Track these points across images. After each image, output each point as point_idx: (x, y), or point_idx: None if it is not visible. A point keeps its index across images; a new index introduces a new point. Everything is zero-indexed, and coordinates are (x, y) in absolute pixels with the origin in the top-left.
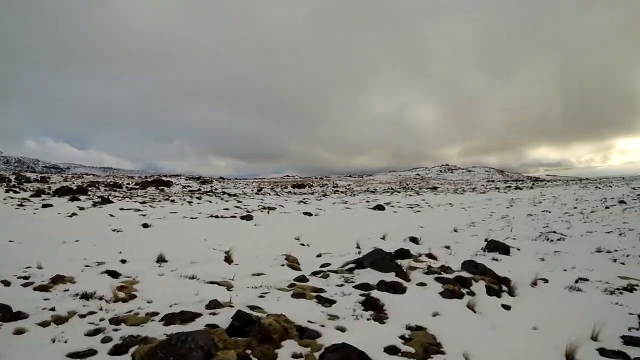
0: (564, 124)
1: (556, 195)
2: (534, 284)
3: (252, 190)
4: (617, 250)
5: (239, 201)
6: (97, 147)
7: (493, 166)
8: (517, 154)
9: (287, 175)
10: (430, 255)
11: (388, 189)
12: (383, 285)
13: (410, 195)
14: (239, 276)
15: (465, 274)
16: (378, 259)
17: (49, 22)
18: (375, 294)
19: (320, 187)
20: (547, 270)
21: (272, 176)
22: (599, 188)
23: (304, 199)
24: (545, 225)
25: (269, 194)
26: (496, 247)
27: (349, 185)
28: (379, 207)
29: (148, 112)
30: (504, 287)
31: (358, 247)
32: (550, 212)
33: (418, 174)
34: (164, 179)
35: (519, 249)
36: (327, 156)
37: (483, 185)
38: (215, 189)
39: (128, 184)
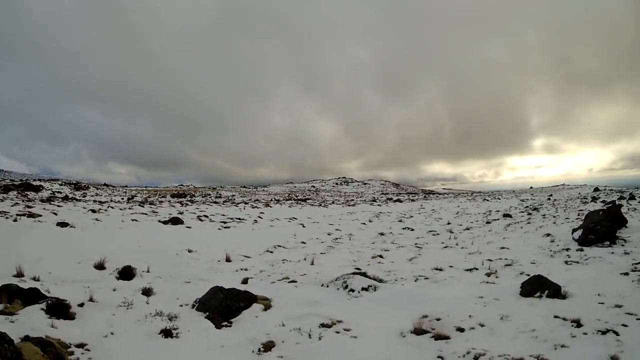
0: (456, 143)
1: (437, 208)
2: None
3: (123, 199)
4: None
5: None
6: None
7: (392, 180)
8: (413, 169)
9: (182, 185)
10: None
11: (272, 199)
12: None
13: (268, 207)
14: None
15: None
16: None
17: None
18: None
19: (203, 197)
20: None
21: (172, 185)
22: (487, 200)
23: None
24: (379, 255)
25: (140, 203)
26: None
27: (232, 195)
28: (175, 221)
29: (38, 110)
30: None
31: None
32: (412, 229)
33: (314, 186)
34: (33, 183)
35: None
36: (229, 167)
37: (374, 198)
38: (84, 196)
39: None
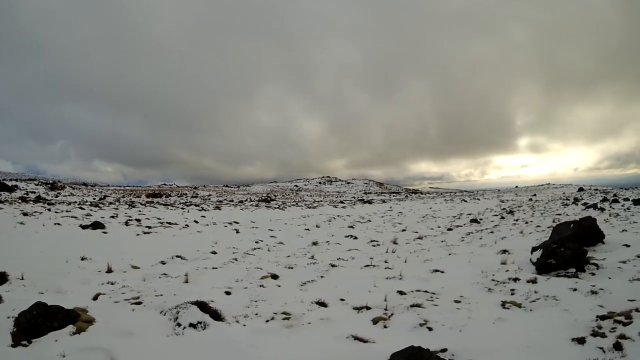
0: (442, 142)
1: (406, 210)
2: None
3: (94, 199)
4: None
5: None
6: None
7: (378, 179)
8: (400, 168)
9: (165, 184)
10: None
11: (247, 199)
12: None
13: (239, 208)
14: None
15: None
16: None
17: None
18: None
19: (178, 196)
20: None
21: (156, 185)
22: (465, 201)
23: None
24: (274, 274)
25: (113, 203)
26: None
27: (209, 195)
28: (95, 225)
29: (26, 109)
30: None
31: None
32: (356, 237)
33: (296, 185)
34: (8, 183)
35: None
36: (215, 166)
37: (354, 197)
38: (57, 196)
39: None
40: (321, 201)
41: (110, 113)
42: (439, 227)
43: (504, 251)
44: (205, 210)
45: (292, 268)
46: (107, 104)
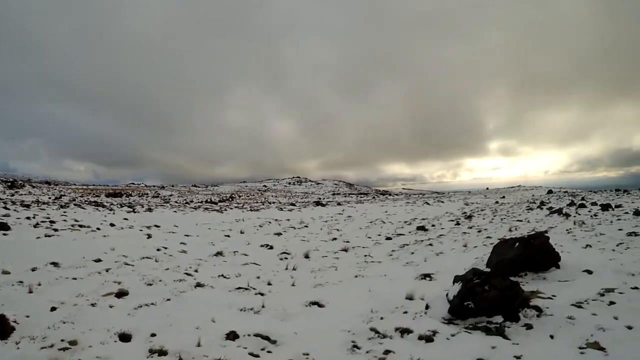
0: (415, 143)
1: (359, 214)
2: None
3: (50, 198)
4: None
5: None
6: None
7: (351, 180)
8: (373, 169)
9: (133, 183)
10: None
11: (206, 200)
12: None
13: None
14: None
15: None
16: None
17: None
18: None
19: (140, 196)
20: None
21: (123, 184)
22: (428, 204)
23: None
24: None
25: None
26: None
27: (171, 195)
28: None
29: None
30: None
31: None
32: (272, 247)
33: (265, 186)
34: None
35: None
36: (188, 165)
37: (306, 201)
38: (13, 195)
39: None
40: (274, 203)
41: (83, 111)
42: (379, 235)
43: (426, 276)
44: (135, 212)
45: (151, 285)
46: (80, 102)
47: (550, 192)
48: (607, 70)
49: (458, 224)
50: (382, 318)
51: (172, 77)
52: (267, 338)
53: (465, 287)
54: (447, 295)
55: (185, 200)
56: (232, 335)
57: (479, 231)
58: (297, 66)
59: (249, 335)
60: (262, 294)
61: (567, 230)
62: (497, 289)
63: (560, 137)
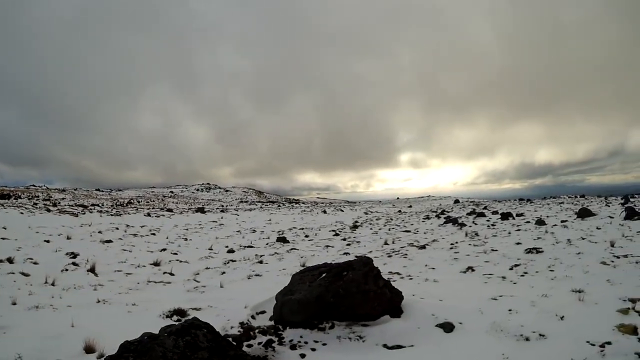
0: (327, 154)
1: (231, 223)
2: None
3: None
4: None
5: None
6: None
7: (265, 188)
8: (287, 179)
9: (33, 185)
10: None
11: (94, 205)
12: None
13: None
14: None
15: None
16: None
17: None
18: None
19: (29, 199)
20: None
21: (24, 185)
22: (325, 212)
23: None
24: None
25: None
26: None
27: (64, 198)
28: None
29: None
30: None
31: None
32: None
33: (172, 192)
34: None
35: None
36: (97, 168)
37: (189, 208)
38: None
39: None
40: (170, 210)
41: None
42: (226, 246)
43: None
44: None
45: None
46: None
47: (457, 201)
48: (509, 94)
49: (337, 234)
50: None
51: (80, 70)
52: None
53: None
54: None
55: (76, 204)
56: None
57: (348, 244)
58: (211, 72)
59: None
60: None
61: (451, 245)
62: None
63: (467, 151)
